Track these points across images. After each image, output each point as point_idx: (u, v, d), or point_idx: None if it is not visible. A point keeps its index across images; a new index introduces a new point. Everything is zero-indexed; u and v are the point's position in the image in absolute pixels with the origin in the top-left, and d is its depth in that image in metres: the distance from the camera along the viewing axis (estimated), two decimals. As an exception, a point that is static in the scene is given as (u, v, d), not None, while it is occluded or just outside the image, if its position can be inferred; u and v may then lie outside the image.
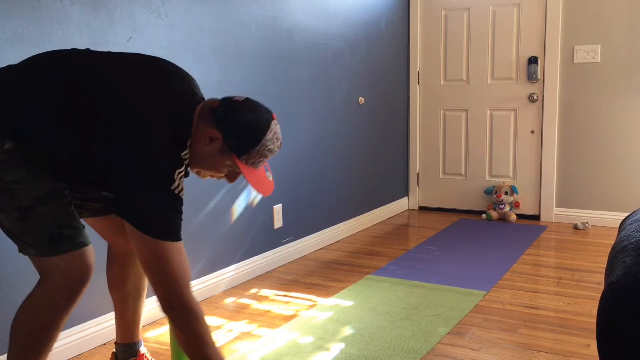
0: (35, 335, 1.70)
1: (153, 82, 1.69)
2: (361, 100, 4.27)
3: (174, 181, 1.61)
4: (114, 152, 1.59)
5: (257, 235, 3.38)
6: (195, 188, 2.93)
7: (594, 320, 2.11)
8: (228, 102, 1.71)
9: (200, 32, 2.90)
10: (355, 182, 4.30)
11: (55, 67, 1.66)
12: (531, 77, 4.45)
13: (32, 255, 1.68)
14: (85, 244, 1.71)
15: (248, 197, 3.29)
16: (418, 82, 4.92)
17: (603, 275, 3.07)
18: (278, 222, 3.53)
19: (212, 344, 1.71)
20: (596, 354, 2.11)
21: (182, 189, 1.65)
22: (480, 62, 4.66)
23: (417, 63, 4.90)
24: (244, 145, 1.68)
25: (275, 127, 1.72)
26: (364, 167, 4.40)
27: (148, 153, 1.59)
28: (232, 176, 1.79)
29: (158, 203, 1.60)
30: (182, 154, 1.67)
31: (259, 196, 3.37)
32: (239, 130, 1.67)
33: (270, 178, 1.84)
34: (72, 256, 1.67)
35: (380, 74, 4.51)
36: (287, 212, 3.61)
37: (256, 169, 1.74)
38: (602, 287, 2.42)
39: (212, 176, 1.81)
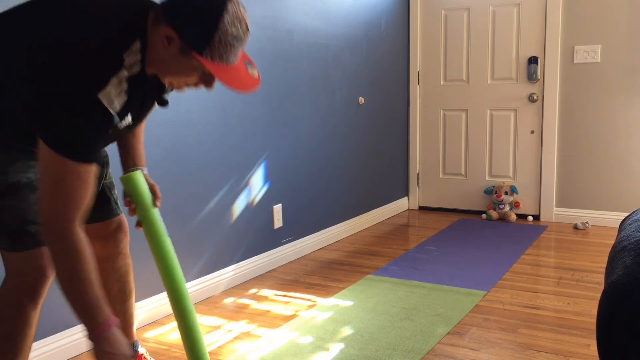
0: (6, 334, 1.66)
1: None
2: (361, 100, 4.27)
3: (104, 86, 1.42)
4: (47, 31, 1.46)
5: (257, 235, 3.38)
6: (195, 188, 2.93)
7: (594, 320, 2.11)
8: None
9: (200, 32, 2.90)
10: (355, 182, 4.30)
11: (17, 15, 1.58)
12: (531, 77, 4.45)
13: None
14: None
15: (248, 197, 3.29)
16: (418, 82, 4.92)
17: (603, 275, 3.07)
18: (278, 222, 3.53)
19: (91, 282, 1.51)
20: (596, 354, 2.11)
21: (113, 102, 1.45)
22: (480, 62, 4.66)
23: (417, 63, 4.90)
24: (201, 36, 1.44)
25: (234, 7, 1.46)
26: (363, 167, 4.40)
27: (79, 48, 1.43)
28: (206, 80, 1.55)
29: (72, 110, 1.41)
30: (124, 54, 1.47)
31: (259, 196, 3.37)
32: (190, 20, 1.45)
33: (256, 75, 1.59)
34: (30, 254, 1.61)
35: (380, 74, 4.51)
36: (287, 212, 3.60)
37: (228, 64, 1.50)
38: (602, 287, 2.42)
39: (187, 85, 1.59)
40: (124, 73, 1.47)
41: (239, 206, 3.23)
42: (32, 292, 1.66)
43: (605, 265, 2.08)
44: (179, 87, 1.61)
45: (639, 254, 1.48)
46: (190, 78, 1.55)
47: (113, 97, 1.45)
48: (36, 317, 1.71)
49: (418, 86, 4.93)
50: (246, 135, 3.24)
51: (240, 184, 3.22)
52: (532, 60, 4.43)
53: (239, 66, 1.53)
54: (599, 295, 2.88)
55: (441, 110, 4.87)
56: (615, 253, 1.62)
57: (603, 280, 1.93)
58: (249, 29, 1.50)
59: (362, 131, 4.33)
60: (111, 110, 1.45)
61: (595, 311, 2.69)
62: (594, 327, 2.53)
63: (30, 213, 1.60)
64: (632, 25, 4.10)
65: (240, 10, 1.48)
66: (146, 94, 1.63)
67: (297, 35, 3.57)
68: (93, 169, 1.49)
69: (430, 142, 4.95)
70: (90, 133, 1.46)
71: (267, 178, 3.42)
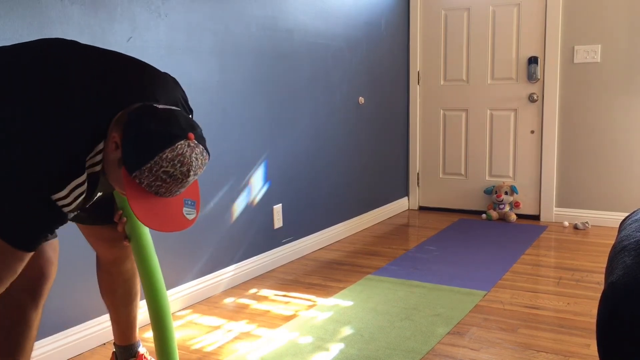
0: (7, 335, 1.66)
1: (99, 71, 1.53)
2: (361, 100, 4.27)
3: (61, 189, 1.38)
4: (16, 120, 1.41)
5: (257, 235, 3.38)
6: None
7: (594, 320, 2.11)
8: (148, 107, 1.45)
9: (200, 32, 2.90)
10: (355, 182, 4.30)
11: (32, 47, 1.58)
12: (531, 77, 4.45)
13: None
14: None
15: (248, 197, 3.29)
16: (418, 82, 4.92)
17: (603, 275, 3.07)
18: (278, 222, 3.53)
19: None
20: (596, 354, 2.11)
21: (70, 204, 1.41)
22: (480, 62, 4.65)
23: (417, 63, 4.90)
24: (135, 158, 1.38)
25: (184, 149, 1.40)
26: (363, 167, 4.40)
27: (47, 143, 1.39)
28: None
29: (23, 207, 1.39)
30: (88, 158, 1.43)
31: (259, 196, 3.37)
32: (137, 139, 1.39)
33: (191, 217, 1.51)
34: (26, 254, 1.56)
35: (380, 74, 4.51)
36: (287, 212, 3.60)
37: (157, 195, 1.43)
38: (602, 287, 2.42)
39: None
40: (84, 177, 1.42)
41: (239, 206, 3.23)
42: (32, 292, 1.66)
43: (605, 265, 2.08)
44: (122, 194, 1.55)
45: (639, 254, 1.48)
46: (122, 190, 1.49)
47: (69, 198, 1.41)
48: (37, 318, 1.70)
49: (418, 86, 4.93)
50: (246, 135, 3.24)
51: (240, 184, 3.22)
52: (532, 60, 4.43)
53: (171, 202, 1.47)
54: (599, 295, 2.88)
55: (441, 110, 4.87)
56: (615, 253, 1.62)
57: (603, 280, 1.93)
58: (192, 174, 1.43)
59: (362, 131, 4.33)
60: (64, 209, 1.41)
61: (595, 311, 2.68)
62: (594, 327, 2.52)
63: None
64: (632, 25, 4.10)
65: (191, 154, 1.41)
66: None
67: (297, 35, 3.57)
68: (26, 258, 1.45)
69: (430, 142, 4.95)
70: (36, 229, 1.43)
71: (267, 178, 3.42)
